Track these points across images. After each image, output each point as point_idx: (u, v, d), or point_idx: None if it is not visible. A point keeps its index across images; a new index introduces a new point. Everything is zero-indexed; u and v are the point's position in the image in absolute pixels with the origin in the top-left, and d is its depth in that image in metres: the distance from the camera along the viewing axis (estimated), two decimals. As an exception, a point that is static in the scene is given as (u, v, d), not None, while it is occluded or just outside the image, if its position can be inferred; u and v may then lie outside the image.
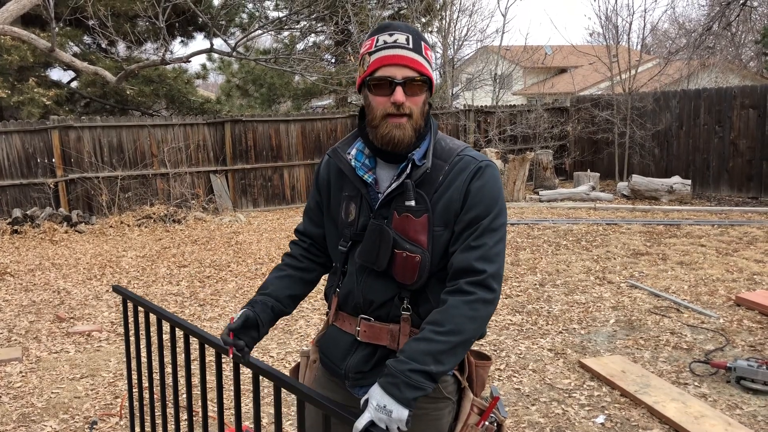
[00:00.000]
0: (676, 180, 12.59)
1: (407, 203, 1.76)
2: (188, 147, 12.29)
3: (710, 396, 4.12)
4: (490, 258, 1.72)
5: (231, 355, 1.92)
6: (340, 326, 1.90)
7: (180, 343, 4.01)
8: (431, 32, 18.86)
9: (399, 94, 1.72)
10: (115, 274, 7.67)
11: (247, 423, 3.69)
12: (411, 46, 1.75)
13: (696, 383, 4.32)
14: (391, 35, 1.76)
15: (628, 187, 12.88)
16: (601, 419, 3.84)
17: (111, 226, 10.72)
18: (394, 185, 1.79)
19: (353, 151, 1.87)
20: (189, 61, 10.72)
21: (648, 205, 11.92)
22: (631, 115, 14.21)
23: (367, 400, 1.65)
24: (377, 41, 1.77)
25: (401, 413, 1.60)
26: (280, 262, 2.10)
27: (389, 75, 1.73)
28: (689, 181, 12.59)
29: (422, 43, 1.78)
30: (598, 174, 14.01)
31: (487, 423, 1.83)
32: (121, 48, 16.73)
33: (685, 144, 13.74)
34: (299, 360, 2.13)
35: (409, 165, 1.78)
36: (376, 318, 1.83)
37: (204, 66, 20.16)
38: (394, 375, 1.63)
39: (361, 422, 1.61)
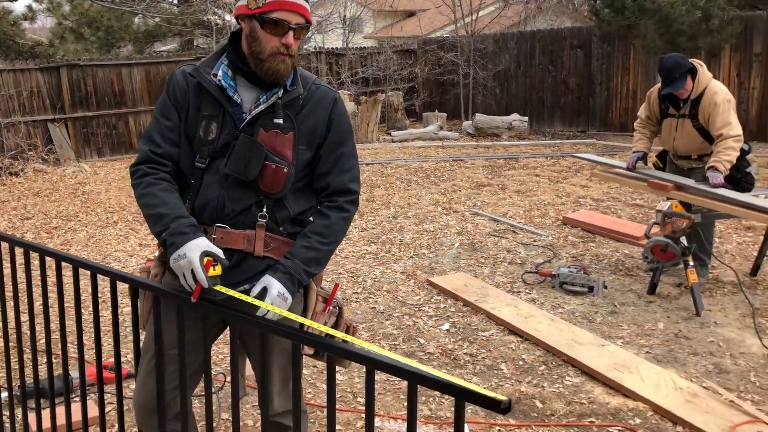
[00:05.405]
0: (514, 117, 13.50)
1: (276, 121, 2.01)
2: (20, 94, 11.39)
3: (538, 300, 4.71)
4: (358, 179, 2.15)
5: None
6: None
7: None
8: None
9: (291, 37, 1.95)
10: (-52, 231, 7.15)
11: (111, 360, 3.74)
12: None
13: (527, 291, 4.90)
14: None
15: (472, 125, 13.64)
16: (446, 326, 4.29)
17: (-64, 183, 9.84)
18: (263, 105, 2.02)
19: (219, 73, 2.04)
20: (14, 0, 9.87)
21: (490, 142, 12.74)
22: (473, 57, 14.91)
23: (264, 289, 1.94)
24: None
25: (290, 299, 1.99)
26: (151, 180, 2.02)
27: (286, 19, 1.93)
28: (527, 118, 13.55)
29: None
30: (446, 114, 14.66)
31: (331, 308, 2.16)
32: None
33: (522, 83, 14.70)
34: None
35: (281, 89, 2.02)
36: (232, 225, 2.03)
37: (30, 7, 18.45)
38: (291, 273, 1.98)
39: (269, 314, 1.88)
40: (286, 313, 1.87)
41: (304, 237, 2.04)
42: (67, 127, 11.91)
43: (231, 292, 1.89)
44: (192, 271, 1.86)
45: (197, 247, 1.88)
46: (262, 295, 1.93)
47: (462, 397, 1.34)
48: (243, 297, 1.87)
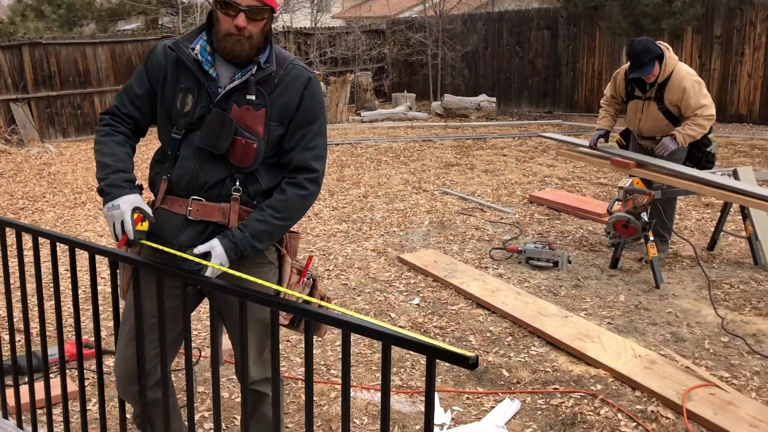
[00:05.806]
0: (482, 98, 13.62)
1: (248, 97, 2.06)
2: (-19, 73, 11.14)
3: (505, 275, 4.84)
4: (322, 158, 2.16)
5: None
6: (169, 208, 2.13)
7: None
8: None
9: (241, 19, 1.98)
10: None
11: (87, 336, 3.78)
12: None
13: (495, 266, 5.03)
14: None
15: (441, 106, 13.73)
16: (416, 301, 4.40)
17: None
18: (237, 81, 2.07)
19: (197, 47, 2.10)
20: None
21: (459, 122, 12.86)
22: (442, 37, 14.95)
23: (208, 253, 2.01)
24: None
25: (227, 266, 2.04)
26: (110, 131, 2.17)
27: (236, 1, 1.97)
28: (494, 99, 13.68)
29: None
30: (415, 95, 14.72)
31: (305, 279, 2.25)
32: None
33: (490, 64, 14.81)
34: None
35: (255, 66, 2.07)
36: (207, 198, 2.10)
37: (-12, -17, 17.96)
38: (236, 244, 2.04)
39: (208, 270, 1.98)
40: (225, 269, 1.99)
41: (260, 210, 2.09)
42: (31, 107, 11.69)
43: (158, 246, 2.05)
44: (122, 223, 2.02)
45: (130, 201, 2.05)
46: (205, 258, 2.02)
47: (433, 354, 1.44)
48: (179, 254, 2.01)
